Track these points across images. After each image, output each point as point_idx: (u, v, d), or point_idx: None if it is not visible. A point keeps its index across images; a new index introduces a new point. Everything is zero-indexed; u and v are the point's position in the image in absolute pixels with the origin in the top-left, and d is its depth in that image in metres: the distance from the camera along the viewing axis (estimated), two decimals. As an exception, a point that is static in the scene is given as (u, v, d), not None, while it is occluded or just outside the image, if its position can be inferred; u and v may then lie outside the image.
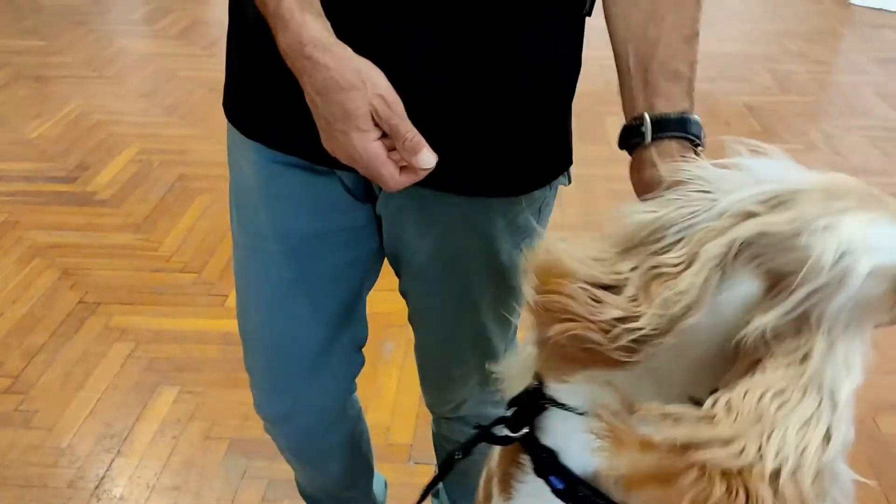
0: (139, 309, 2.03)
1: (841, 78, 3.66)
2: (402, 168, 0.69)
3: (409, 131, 0.67)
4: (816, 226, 0.53)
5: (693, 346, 0.56)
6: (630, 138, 0.71)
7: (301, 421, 1.04)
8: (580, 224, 2.34)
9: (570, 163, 0.91)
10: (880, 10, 4.53)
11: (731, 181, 0.59)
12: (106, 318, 1.99)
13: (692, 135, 0.69)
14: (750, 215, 0.55)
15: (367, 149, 0.67)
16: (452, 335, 0.99)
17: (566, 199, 2.41)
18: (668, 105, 0.70)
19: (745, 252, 0.54)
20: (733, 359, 0.55)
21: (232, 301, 2.04)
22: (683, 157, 0.67)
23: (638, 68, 0.72)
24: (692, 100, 0.72)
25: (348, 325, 0.98)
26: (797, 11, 4.62)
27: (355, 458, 1.16)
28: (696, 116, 0.71)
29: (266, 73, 0.80)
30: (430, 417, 1.23)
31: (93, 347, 1.89)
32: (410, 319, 1.03)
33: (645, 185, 0.69)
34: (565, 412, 0.64)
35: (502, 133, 0.82)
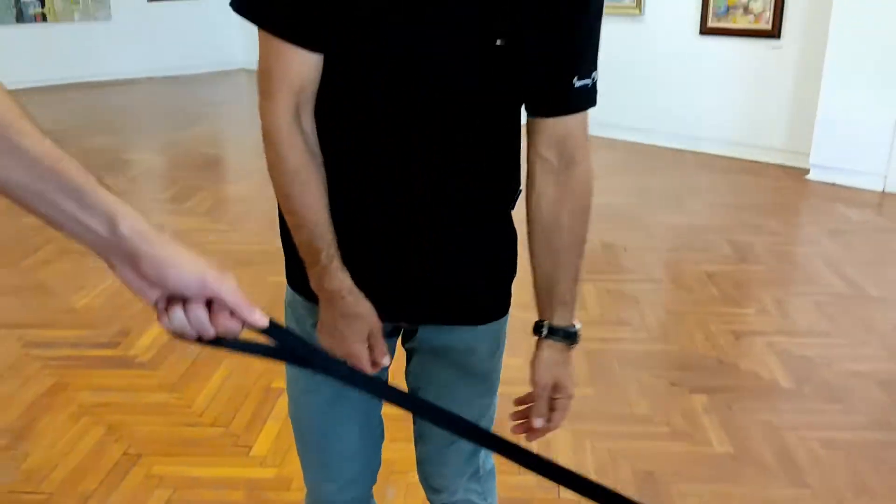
0: (176, 459, 2.34)
1: (794, 248, 4.11)
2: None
3: (383, 345, 1.19)
4: None
5: None
6: (537, 329, 1.22)
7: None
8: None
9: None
10: (833, 185, 5.07)
11: None
12: (147, 467, 2.30)
13: (571, 338, 1.21)
14: None
15: (361, 350, 1.16)
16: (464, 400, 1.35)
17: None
18: (561, 321, 1.21)
19: None
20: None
21: (256, 450, 2.37)
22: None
23: (545, 292, 1.21)
24: (573, 315, 1.22)
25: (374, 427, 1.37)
26: (757, 187, 5.17)
27: None
28: (576, 326, 1.22)
29: None
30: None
31: (137, 494, 2.19)
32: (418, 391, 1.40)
33: (533, 367, 1.22)
34: None
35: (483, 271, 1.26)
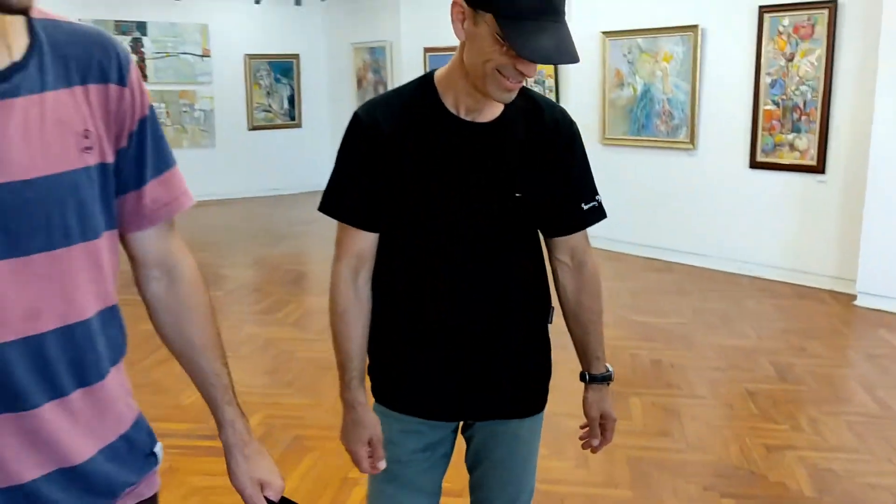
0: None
1: (833, 370, 4.37)
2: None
3: (381, 452, 1.65)
4: None
5: None
6: (582, 378, 1.71)
7: None
8: (603, 483, 3.04)
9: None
10: (880, 311, 5.32)
11: None
12: (246, 540, 2.73)
13: (607, 380, 1.72)
14: None
15: (360, 451, 1.63)
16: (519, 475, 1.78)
17: (592, 460, 3.14)
18: (596, 370, 1.71)
19: None
20: None
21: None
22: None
23: (582, 353, 1.74)
24: (604, 364, 1.71)
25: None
26: (805, 311, 5.45)
27: None
28: (609, 371, 1.72)
29: (398, 375, 1.68)
30: None
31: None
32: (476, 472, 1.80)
33: (584, 404, 1.71)
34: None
35: (532, 382, 1.72)
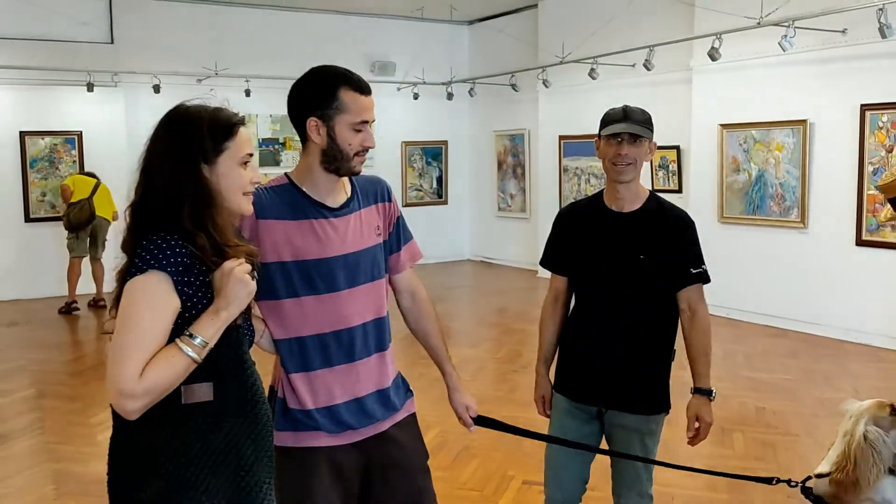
0: (453, 504, 3.82)
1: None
2: None
3: (548, 403, 2.77)
4: None
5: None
6: (691, 391, 2.65)
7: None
8: (705, 487, 3.93)
9: (669, 408, 2.72)
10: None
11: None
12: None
13: (707, 394, 2.66)
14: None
15: (538, 401, 2.74)
16: (631, 463, 2.71)
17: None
18: (701, 385, 2.65)
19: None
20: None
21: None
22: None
23: (693, 369, 2.67)
24: (708, 382, 2.64)
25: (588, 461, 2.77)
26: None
27: None
28: (712, 389, 2.66)
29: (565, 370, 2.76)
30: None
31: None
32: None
33: (688, 407, 2.65)
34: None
35: (646, 390, 2.68)
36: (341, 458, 2.18)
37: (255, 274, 1.77)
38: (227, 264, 1.68)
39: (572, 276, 2.75)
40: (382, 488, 2.25)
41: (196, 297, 1.67)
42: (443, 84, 11.35)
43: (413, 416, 2.38)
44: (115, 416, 1.69)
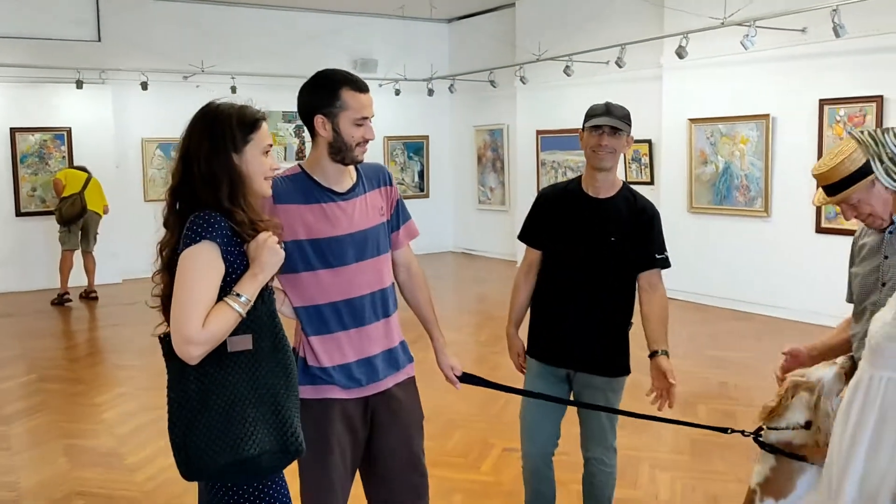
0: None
1: None
2: None
3: (523, 360, 3.09)
4: None
5: None
6: (650, 355, 2.97)
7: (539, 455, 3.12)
8: (671, 450, 4.29)
9: (629, 371, 3.07)
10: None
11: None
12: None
13: (665, 355, 2.94)
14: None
15: (513, 358, 3.08)
16: (597, 421, 3.06)
17: (666, 438, 4.40)
18: (656, 347, 2.96)
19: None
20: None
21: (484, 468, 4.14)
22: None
23: (652, 341, 2.97)
24: (666, 346, 2.96)
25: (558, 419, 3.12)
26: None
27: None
28: (667, 350, 2.96)
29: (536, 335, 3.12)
30: None
31: None
32: (578, 413, 3.12)
33: (650, 369, 2.97)
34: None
35: (611, 355, 3.04)
36: (352, 410, 2.51)
37: (282, 244, 2.09)
38: (262, 236, 2.00)
39: (549, 254, 3.10)
40: (387, 439, 2.59)
41: (236, 264, 2.00)
42: (423, 80, 11.67)
43: (412, 378, 2.69)
44: (173, 365, 2.00)
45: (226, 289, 1.96)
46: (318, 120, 2.40)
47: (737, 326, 7.40)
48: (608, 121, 2.90)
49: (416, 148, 12.48)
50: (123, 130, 10.29)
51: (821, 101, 7.16)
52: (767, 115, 7.62)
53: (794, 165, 7.47)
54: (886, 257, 2.41)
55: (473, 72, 11.24)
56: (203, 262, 1.93)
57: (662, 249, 3.03)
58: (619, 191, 3.02)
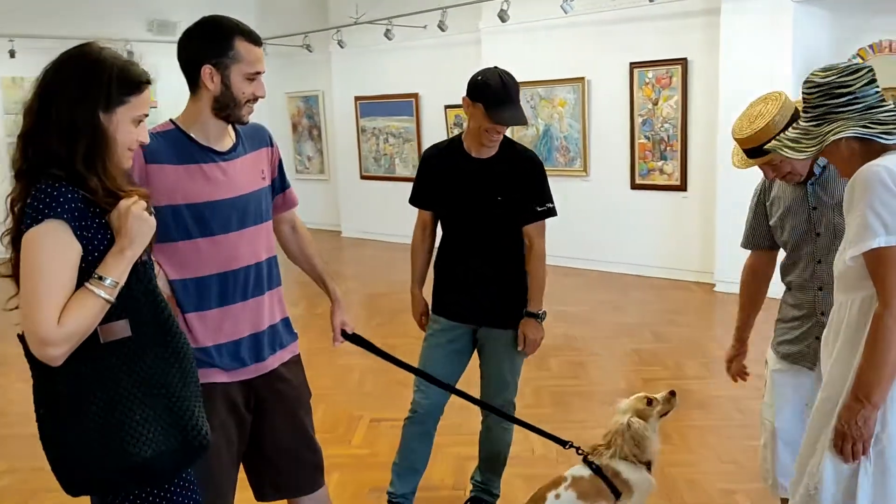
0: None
1: (693, 333, 5.87)
2: None
3: (425, 319, 3.05)
4: None
5: None
6: (524, 314, 3.02)
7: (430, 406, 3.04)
8: (532, 406, 4.39)
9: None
10: (734, 293, 6.89)
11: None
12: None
13: (537, 317, 3.01)
14: None
15: (416, 317, 3.03)
16: (499, 372, 3.05)
17: (527, 394, 4.47)
18: (532, 309, 2.99)
19: None
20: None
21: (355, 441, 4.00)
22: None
23: (529, 299, 3.03)
24: (540, 306, 3.00)
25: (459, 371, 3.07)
26: (677, 297, 6.96)
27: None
28: (540, 312, 3.01)
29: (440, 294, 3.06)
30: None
31: None
32: (481, 366, 3.09)
33: (519, 327, 3.03)
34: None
35: (510, 309, 3.01)
36: (234, 394, 2.29)
37: (153, 210, 1.79)
38: (123, 203, 1.68)
39: (440, 215, 3.05)
40: (272, 419, 2.39)
41: (96, 240, 1.67)
42: (230, 45, 11.00)
43: (298, 357, 2.51)
44: (35, 366, 1.67)
45: (89, 270, 1.65)
46: (206, 71, 2.12)
47: (569, 282, 7.72)
48: (515, 118, 2.84)
49: (225, 117, 11.81)
50: None
51: (631, 64, 7.56)
52: (583, 79, 7.95)
53: (608, 126, 7.86)
54: (815, 208, 2.49)
55: (285, 35, 10.77)
56: (49, 246, 1.61)
57: (544, 201, 3.00)
58: (501, 147, 2.97)
